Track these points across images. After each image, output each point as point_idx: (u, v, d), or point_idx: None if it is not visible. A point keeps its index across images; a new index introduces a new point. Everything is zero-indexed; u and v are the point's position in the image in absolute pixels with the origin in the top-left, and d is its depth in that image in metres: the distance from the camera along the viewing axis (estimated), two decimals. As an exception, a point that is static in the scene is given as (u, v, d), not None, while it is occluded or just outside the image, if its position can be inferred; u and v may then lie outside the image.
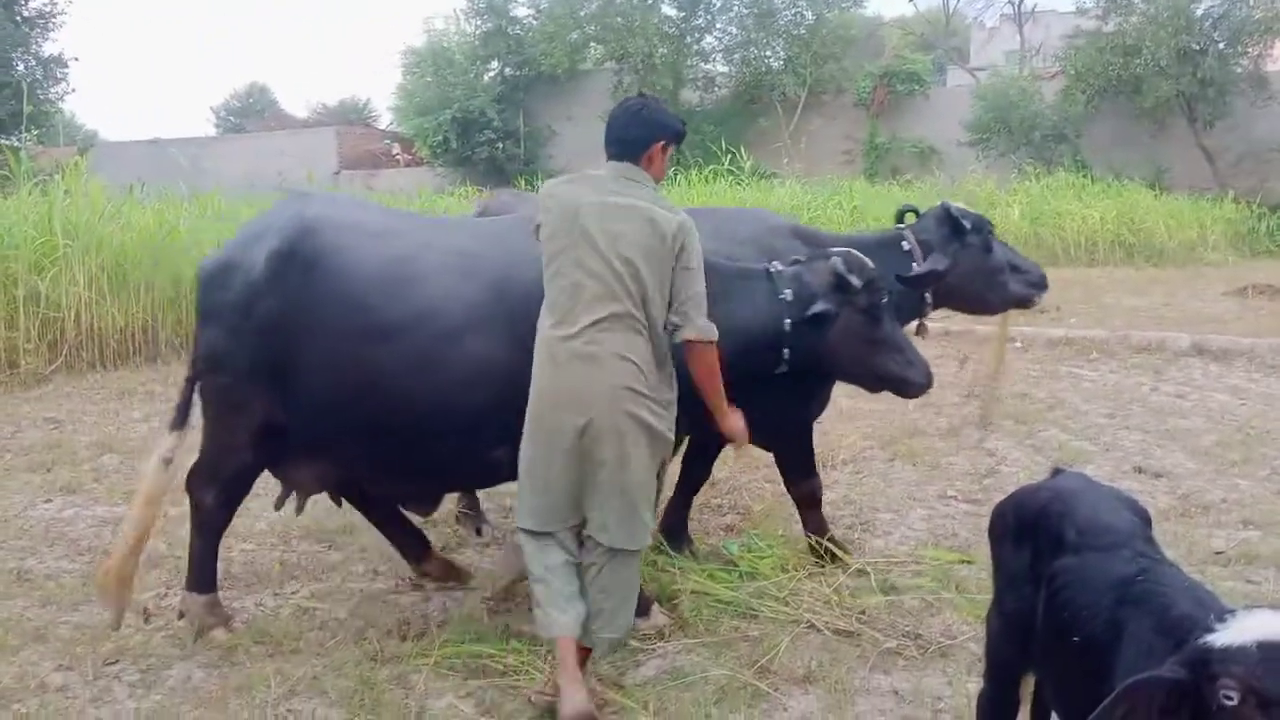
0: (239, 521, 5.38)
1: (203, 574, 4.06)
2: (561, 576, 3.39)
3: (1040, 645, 2.33)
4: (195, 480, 4.02)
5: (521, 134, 26.60)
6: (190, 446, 4.06)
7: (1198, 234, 17.35)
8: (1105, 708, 1.78)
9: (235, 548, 5.07)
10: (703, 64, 26.44)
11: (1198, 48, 20.08)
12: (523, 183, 19.75)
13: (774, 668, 3.67)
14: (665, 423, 3.36)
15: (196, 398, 4.00)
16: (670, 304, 3.29)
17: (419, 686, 3.59)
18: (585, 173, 3.53)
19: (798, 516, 5.31)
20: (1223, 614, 1.93)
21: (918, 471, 6.18)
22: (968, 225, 4.69)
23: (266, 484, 4.34)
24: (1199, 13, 20.40)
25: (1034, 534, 2.43)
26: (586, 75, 27.09)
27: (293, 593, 4.55)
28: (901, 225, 4.92)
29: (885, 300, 4.00)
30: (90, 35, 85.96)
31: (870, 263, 4.00)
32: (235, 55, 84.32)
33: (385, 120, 34.60)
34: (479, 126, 25.64)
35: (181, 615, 4.09)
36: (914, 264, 4.51)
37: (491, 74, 27.18)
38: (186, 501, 4.13)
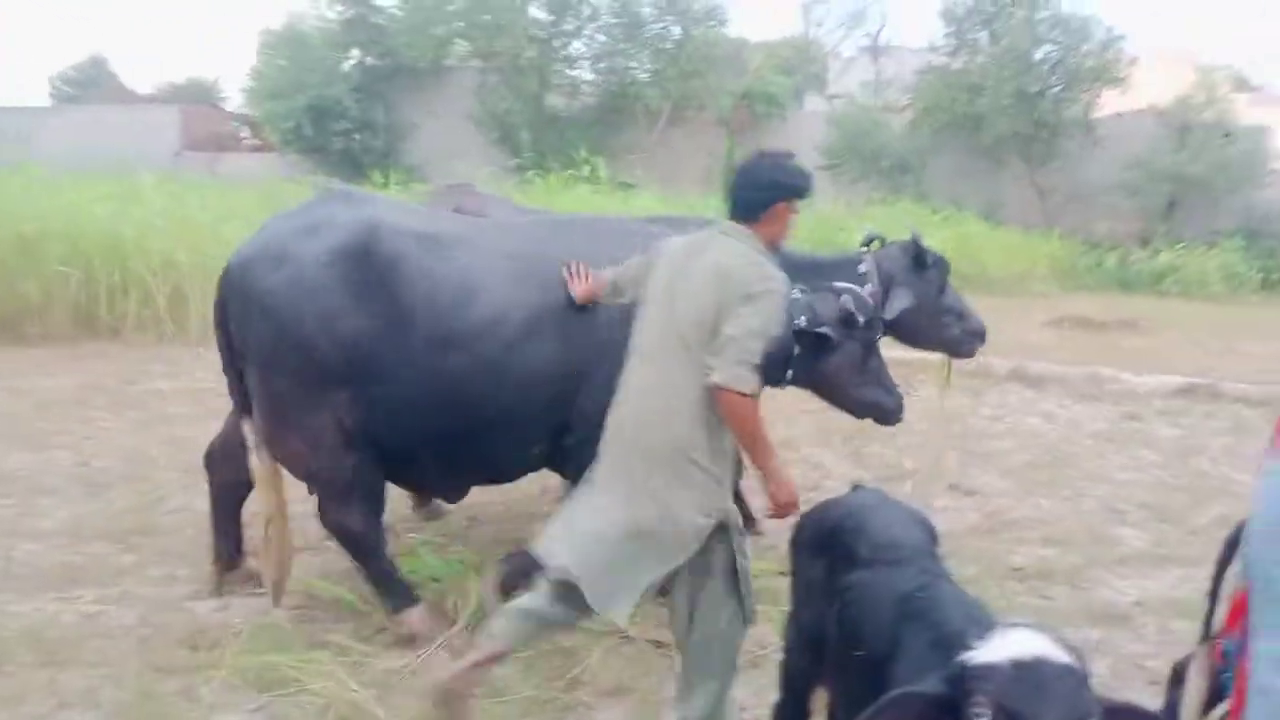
0: (24, 520, 5.04)
1: (400, 588, 3.97)
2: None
3: (831, 658, 2.36)
4: (326, 505, 3.89)
5: (381, 126, 25.90)
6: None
7: (1027, 266, 18.38)
8: (865, 717, 1.82)
9: (19, 547, 4.71)
10: (569, 70, 26.37)
11: (1035, 90, 21.34)
12: (378, 177, 19.15)
13: (584, 680, 3.63)
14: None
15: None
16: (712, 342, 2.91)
17: (205, 699, 3.39)
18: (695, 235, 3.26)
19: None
20: (987, 631, 1.99)
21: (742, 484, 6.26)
22: (929, 261, 4.82)
23: (59, 479, 4.03)
24: (1038, 56, 21.67)
25: (830, 547, 2.47)
26: (451, 71, 26.62)
27: (77, 597, 4.23)
28: (864, 250, 4.97)
29: (879, 337, 4.44)
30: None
31: (871, 303, 4.42)
32: (78, 24, 79.17)
33: (235, 103, 33.15)
34: (335, 115, 24.81)
35: (413, 637, 3.86)
36: (868, 288, 4.62)
37: (351, 62, 26.38)
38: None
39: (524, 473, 4.36)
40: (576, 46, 26.55)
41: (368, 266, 3.68)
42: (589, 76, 27.03)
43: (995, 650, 1.74)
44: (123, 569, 4.53)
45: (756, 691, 3.64)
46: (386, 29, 25.75)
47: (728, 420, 2.91)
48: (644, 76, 25.95)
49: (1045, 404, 9.14)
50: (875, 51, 32.53)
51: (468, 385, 3.77)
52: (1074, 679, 1.68)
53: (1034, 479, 6.64)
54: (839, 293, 4.31)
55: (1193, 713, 2.71)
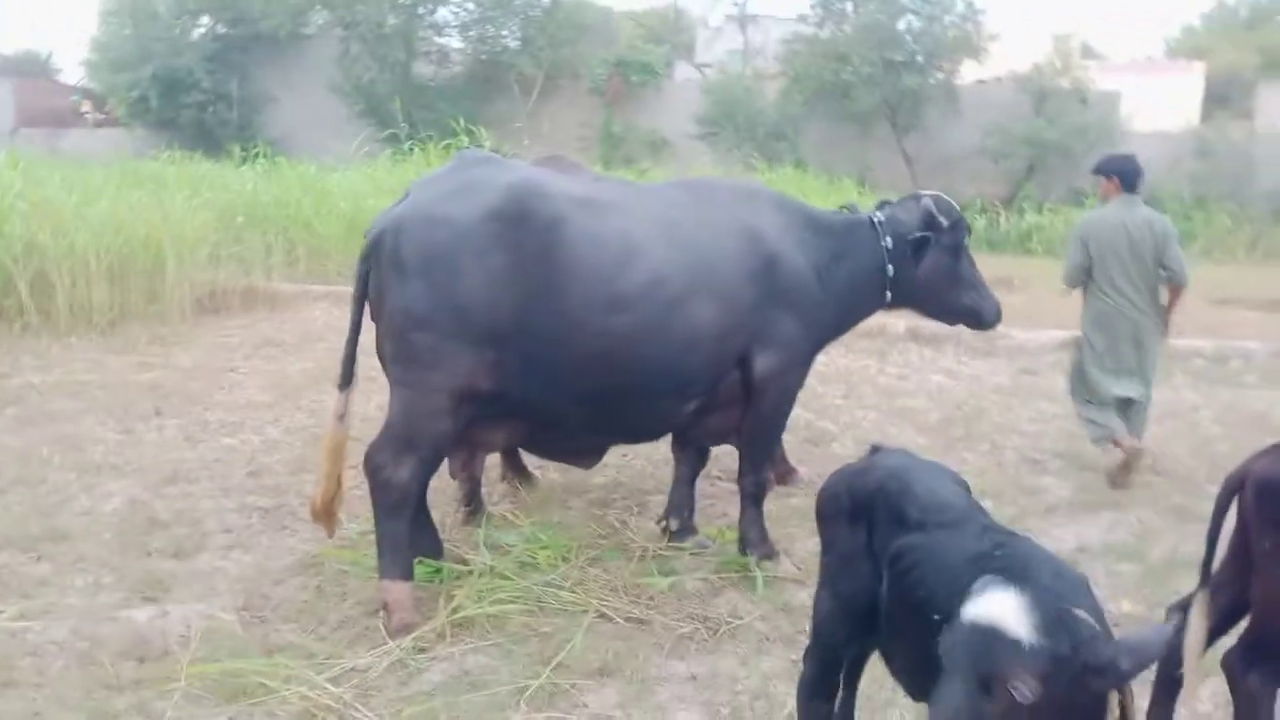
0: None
1: (401, 559, 3.81)
2: None
3: (889, 624, 2.31)
4: (382, 455, 3.76)
5: (235, 98, 24.60)
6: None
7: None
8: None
9: (-89, 562, 4.24)
10: (437, 38, 25.61)
11: (900, 60, 21.89)
12: (237, 151, 18.16)
13: (568, 662, 3.51)
14: None
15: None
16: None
17: (167, 715, 3.11)
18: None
19: (571, 504, 5.21)
20: (1072, 585, 1.98)
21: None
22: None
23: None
24: (901, 27, 22.22)
25: (870, 513, 2.41)
26: (310, 41, 25.48)
27: (-2, 612, 3.83)
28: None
29: (968, 239, 4.76)
30: None
31: (949, 202, 4.76)
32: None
33: (74, 75, 30.89)
34: (185, 87, 23.42)
35: (384, 606, 3.74)
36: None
37: (201, 31, 24.91)
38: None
39: (668, 432, 4.50)
40: (443, 14, 25.83)
41: (528, 228, 3.69)
42: (458, 44, 26.35)
43: (972, 607, 1.86)
44: (42, 579, 4.13)
45: (743, 660, 3.61)
46: (239, -5, 24.44)
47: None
48: (514, 45, 25.46)
49: (945, 361, 9.41)
50: (742, 21, 32.69)
51: (631, 346, 3.83)
52: (992, 641, 1.80)
53: (951, 435, 6.81)
54: (916, 198, 4.64)
55: (1195, 654, 2.81)
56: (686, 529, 4.62)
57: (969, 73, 23.05)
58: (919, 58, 22.09)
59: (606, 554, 4.44)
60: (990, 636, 1.81)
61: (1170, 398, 7.91)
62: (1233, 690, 2.71)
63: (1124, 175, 5.88)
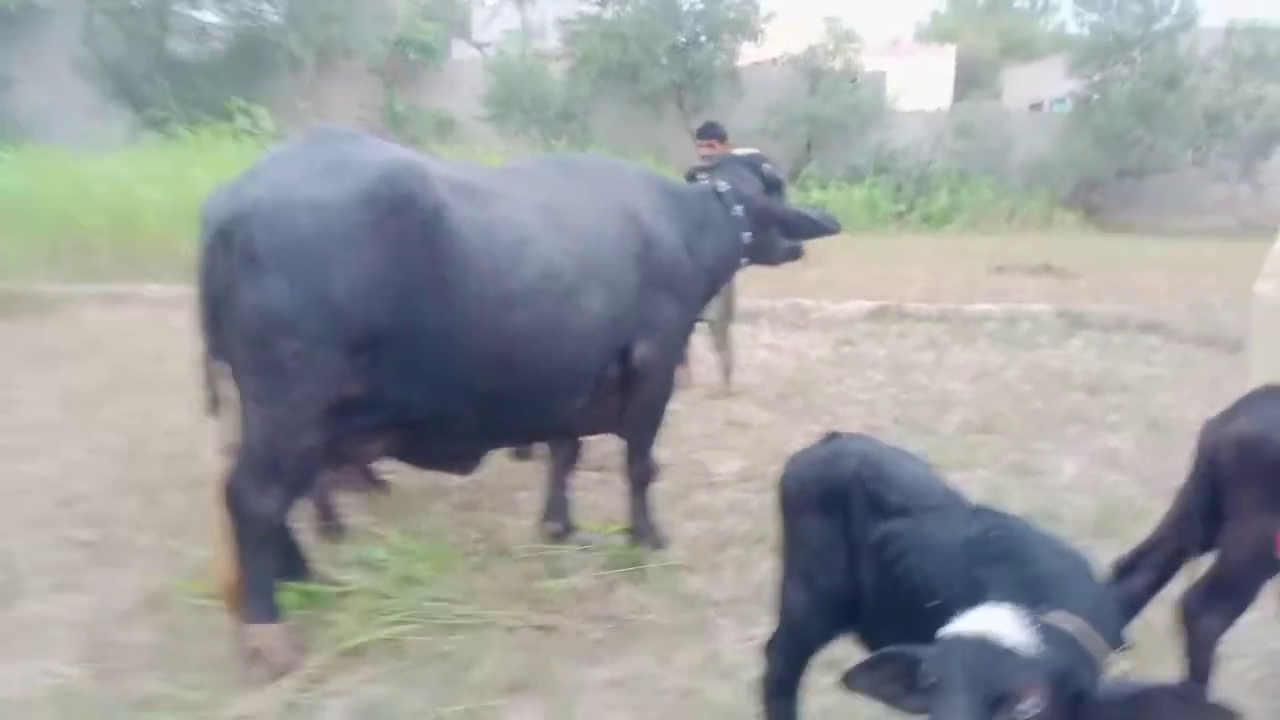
0: None
1: (269, 597, 3.39)
2: None
3: (876, 614, 2.25)
4: (244, 483, 3.28)
5: (-37, 81, 21.88)
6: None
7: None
8: (861, 665, 1.94)
9: None
10: (193, 11, 23.68)
11: (684, 41, 22.29)
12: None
13: (480, 682, 3.28)
14: None
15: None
16: None
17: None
18: None
19: (435, 509, 4.92)
20: (1075, 565, 1.99)
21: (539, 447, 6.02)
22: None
23: None
24: (684, 8, 22.60)
25: (844, 502, 2.34)
26: (50, 15, 22.95)
27: None
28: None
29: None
30: None
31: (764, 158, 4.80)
32: None
33: None
34: (-104, 69, 20.60)
35: (256, 653, 3.31)
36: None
37: (-89, 4, 21.96)
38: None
39: (558, 429, 4.28)
40: (198, -14, 23.92)
41: (410, 215, 3.26)
42: (215, 19, 24.51)
43: (961, 622, 1.80)
44: None
45: (659, 657, 3.50)
46: (-43, -36, 21.68)
47: None
48: (278, 20, 23.95)
49: (764, 337, 9.65)
50: (520, 0, 32.31)
51: (527, 343, 3.58)
52: (996, 657, 1.73)
53: (791, 408, 6.97)
54: (748, 163, 4.65)
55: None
56: (568, 528, 4.46)
57: (747, 54, 23.77)
58: (702, 38, 22.56)
59: (490, 560, 4.21)
60: (991, 651, 1.73)
61: (977, 359, 8.47)
62: (1187, 630, 2.87)
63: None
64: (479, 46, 31.09)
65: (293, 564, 3.83)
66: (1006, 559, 1.99)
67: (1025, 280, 13.12)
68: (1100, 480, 5.42)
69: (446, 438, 3.79)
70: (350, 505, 4.98)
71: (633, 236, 4.01)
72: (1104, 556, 4.33)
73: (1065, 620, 1.82)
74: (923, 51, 27.41)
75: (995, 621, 1.75)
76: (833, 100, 21.84)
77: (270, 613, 3.36)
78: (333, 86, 24.01)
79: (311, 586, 3.80)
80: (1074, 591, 1.91)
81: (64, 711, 3.05)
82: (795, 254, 5.09)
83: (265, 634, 3.33)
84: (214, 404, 3.43)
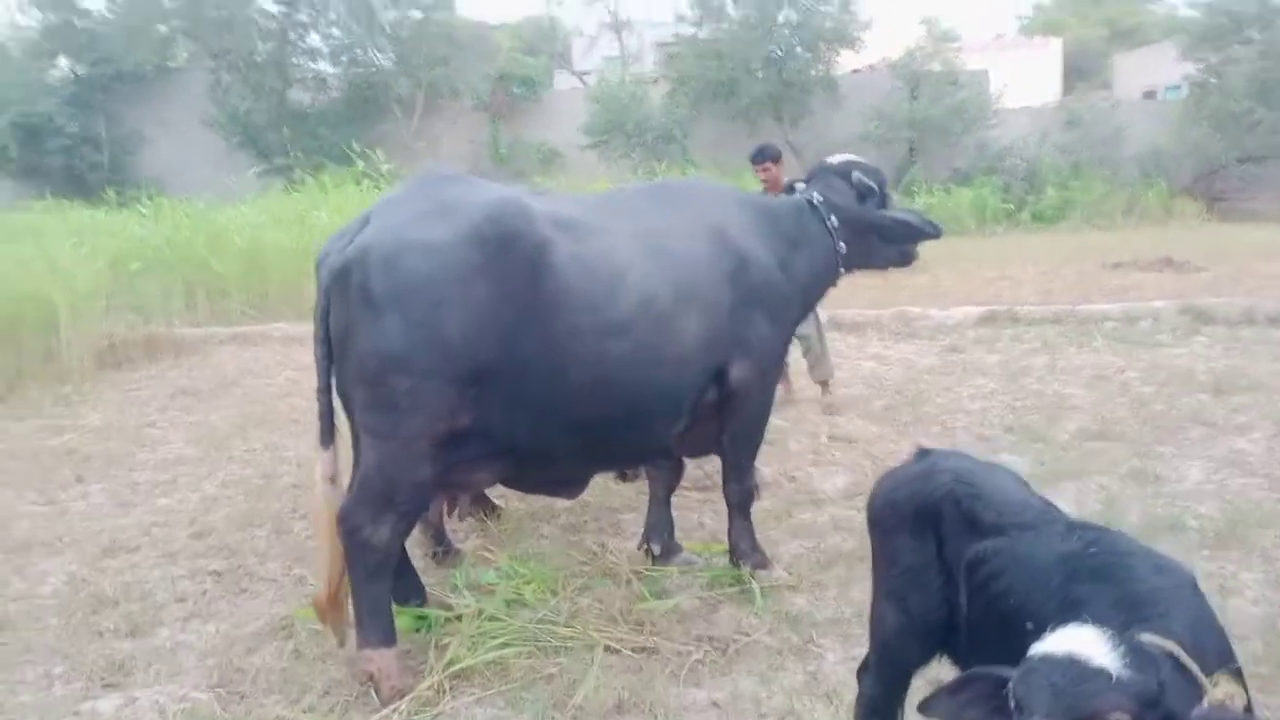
0: None
1: (384, 624, 3.51)
2: None
3: (972, 636, 2.22)
4: (360, 514, 3.43)
5: (103, 140, 23.44)
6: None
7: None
8: (944, 689, 1.88)
9: None
10: (311, 64, 24.88)
11: (781, 53, 22.24)
12: (111, 195, 17.30)
13: (583, 703, 3.35)
14: None
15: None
16: None
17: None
18: None
19: (543, 531, 5.03)
20: (1178, 582, 1.93)
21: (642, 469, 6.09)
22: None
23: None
24: (780, 20, 22.55)
25: (937, 520, 2.32)
26: (179, 74, 24.48)
27: (-64, 726, 3.46)
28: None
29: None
30: None
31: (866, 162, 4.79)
32: None
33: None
34: (47, 133, 22.19)
35: (369, 678, 3.45)
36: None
37: (60, 73, 23.67)
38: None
39: (660, 453, 4.34)
40: (314, 39, 25.12)
41: (514, 253, 3.43)
42: (331, 69, 25.67)
43: (1047, 642, 1.75)
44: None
45: (761, 679, 3.51)
46: (97, 34, 23.29)
47: None
48: (389, 65, 24.93)
49: (871, 348, 9.52)
50: (617, 27, 32.81)
51: (626, 370, 3.66)
52: (1082, 678, 1.67)
53: (899, 420, 6.86)
54: (840, 172, 4.63)
55: None
56: (670, 549, 4.51)
57: (846, 62, 23.54)
58: (799, 49, 22.46)
59: (595, 582, 4.29)
60: (1077, 672, 1.68)
61: (1094, 362, 8.17)
62: None
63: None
64: (579, 76, 31.64)
65: (408, 589, 3.99)
66: (1104, 576, 1.94)
67: (1144, 276, 12.58)
68: (1226, 485, 5.17)
69: (550, 464, 3.90)
70: (464, 530, 5.16)
71: (725, 257, 4.06)
72: (1228, 567, 4.19)
73: (1160, 640, 1.76)
74: (1027, 46, 26.61)
75: (1083, 641, 1.71)
76: (935, 103, 21.42)
77: (385, 638, 3.50)
78: (440, 126, 24.82)
79: (425, 610, 3.95)
80: (1173, 610, 1.85)
81: (192, 733, 3.24)
82: (906, 258, 5.00)
83: (379, 659, 3.47)
84: (327, 436, 3.61)
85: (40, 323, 9.03)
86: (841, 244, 4.56)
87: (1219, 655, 1.84)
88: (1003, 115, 21.99)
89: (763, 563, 4.30)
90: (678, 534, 4.78)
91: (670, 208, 4.13)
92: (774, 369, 4.37)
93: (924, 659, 2.43)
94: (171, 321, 11.06)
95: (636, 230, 3.89)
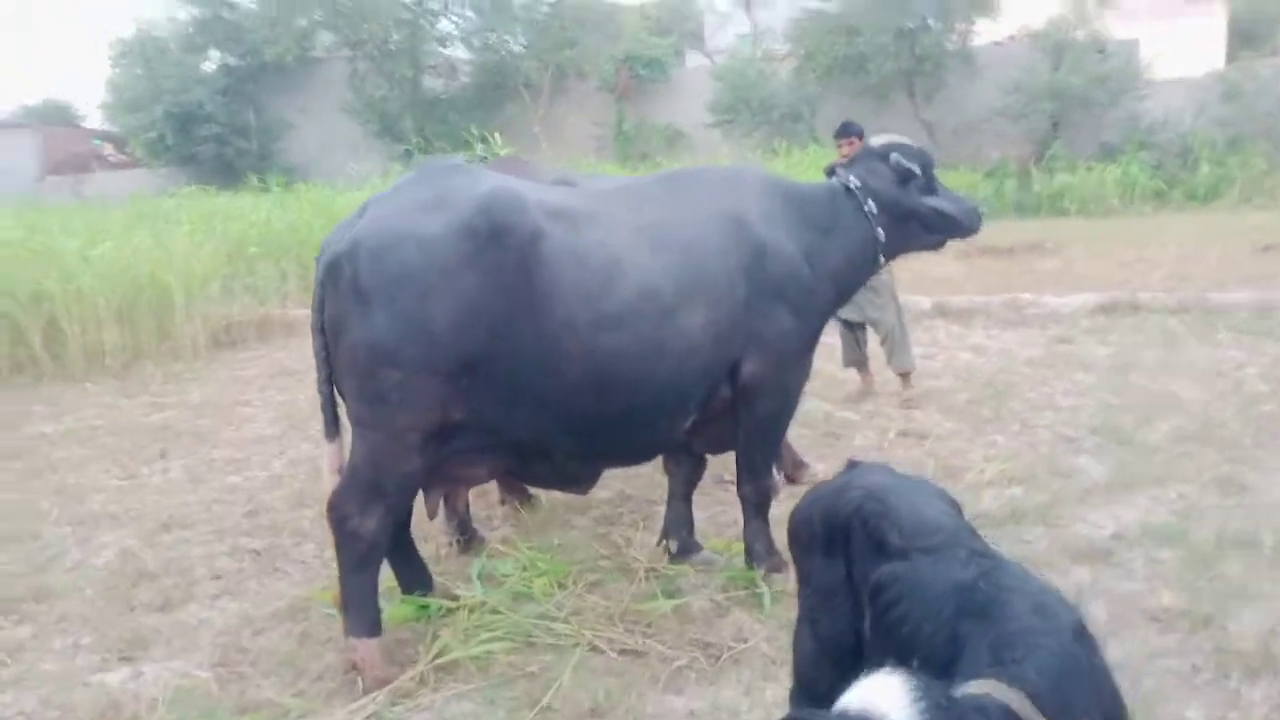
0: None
1: (370, 614, 3.51)
2: None
3: (872, 668, 2.03)
4: (348, 504, 3.46)
5: (252, 129, 24.69)
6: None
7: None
8: None
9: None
10: (442, 49, 25.50)
11: (913, 26, 21.38)
12: (256, 181, 18.18)
13: (556, 704, 3.26)
14: None
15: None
16: None
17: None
18: None
19: (575, 523, 4.97)
20: (1056, 623, 1.69)
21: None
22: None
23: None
24: (915, -10, 21.68)
25: (847, 539, 2.12)
26: (319, 64, 25.52)
27: (-34, 688, 3.67)
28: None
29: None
30: None
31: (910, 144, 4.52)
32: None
33: (95, 119, 31.22)
34: (199, 121, 23.54)
35: (353, 667, 3.47)
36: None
37: (211, 65, 25.06)
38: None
39: (666, 451, 4.25)
40: (445, 25, 25.74)
41: (505, 245, 3.37)
42: (464, 55, 26.26)
43: (851, 692, 1.60)
44: (19, 644, 3.96)
45: (746, 690, 3.34)
46: (244, 26, 24.51)
47: None
48: (519, 50, 25.30)
49: (974, 337, 9.04)
50: (749, 4, 32.24)
51: (622, 365, 3.55)
52: None
53: (980, 415, 6.47)
54: (881, 155, 4.36)
55: None
56: (688, 547, 4.36)
57: (983, 33, 22.43)
58: (931, 22, 21.54)
59: (608, 578, 4.19)
60: None
61: (1212, 356, 7.51)
62: None
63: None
64: (710, 55, 31.29)
65: (414, 578, 3.99)
66: (985, 613, 1.72)
67: (1296, 262, 11.50)
68: (1323, 500, 4.64)
69: (551, 459, 3.82)
70: (495, 519, 5.15)
71: (741, 248, 3.87)
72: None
73: (996, 690, 1.53)
74: (1188, 12, 24.67)
75: (883, 693, 1.54)
76: (1079, 73, 20.13)
77: (369, 628, 3.51)
78: (566, 109, 25.02)
79: (426, 600, 3.94)
80: (1034, 656, 1.61)
81: (177, 711, 3.32)
82: (957, 233, 4.65)
83: (363, 648, 3.48)
84: (332, 428, 3.64)
85: (157, 305, 9.56)
86: (880, 230, 4.29)
87: (1086, 710, 1.60)
88: (1155, 86, 20.48)
89: (777, 566, 4.10)
90: (711, 526, 4.64)
91: (684, 197, 3.97)
92: (797, 364, 4.14)
93: (835, 689, 2.22)
94: (286, 303, 11.53)
95: (641, 221, 3.76)
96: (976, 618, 1.73)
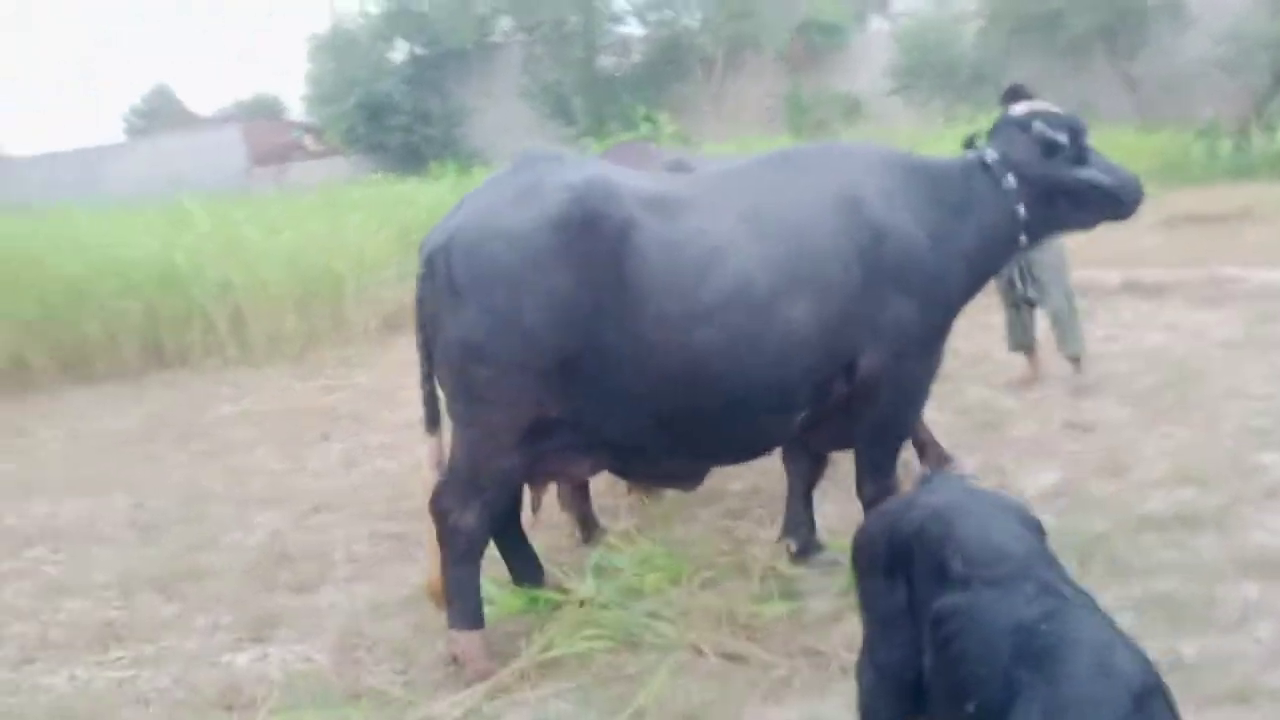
0: (73, 575, 4.81)
1: (471, 607, 3.55)
2: None
3: (931, 707, 1.82)
4: (448, 499, 3.52)
5: (437, 115, 25.66)
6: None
7: (1132, 165, 16.95)
8: None
9: (63, 607, 4.47)
10: (616, 27, 25.64)
11: (1116, -24, 19.80)
12: (437, 168, 18.86)
13: (650, 709, 3.16)
14: None
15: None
16: None
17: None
18: None
19: (701, 516, 4.85)
20: (1123, 687, 1.44)
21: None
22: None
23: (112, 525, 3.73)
24: (1112, -61, 20.06)
25: (908, 564, 1.91)
26: (497, 49, 26.21)
27: (116, 659, 3.94)
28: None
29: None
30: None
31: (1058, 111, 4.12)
32: (140, 58, 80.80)
33: (297, 111, 33.33)
34: (388, 110, 24.64)
35: (454, 659, 3.54)
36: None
37: (399, 55, 26.20)
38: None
39: (774, 448, 4.04)
40: (620, 3, 25.83)
41: (596, 237, 3.30)
42: (639, 31, 26.30)
43: None
44: (164, 622, 4.23)
45: (850, 704, 3.09)
46: (428, 16, 25.43)
47: None
48: (694, 24, 25.10)
49: (1165, 315, 8.26)
50: (934, -38, 30.74)
51: (717, 360, 3.40)
52: None
53: (1160, 404, 5.88)
54: (1022, 125, 3.96)
55: None
56: (809, 547, 4.15)
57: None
58: (1133, -30, 19.87)
59: (723, 575, 4.05)
60: None
61: None
62: None
63: None
64: (893, 18, 30.08)
65: (526, 569, 3.99)
66: (1042, 665, 1.48)
67: None
68: None
69: (649, 457, 3.72)
70: (622, 509, 5.09)
71: (856, 231, 3.61)
72: None
73: None
74: None
75: None
76: (1307, 19, 18.08)
77: (471, 620, 3.52)
78: (741, 82, 24.65)
79: (536, 592, 3.92)
80: None
81: (292, 695, 3.43)
82: (1117, 209, 4.20)
83: (465, 641, 3.50)
84: (433, 423, 3.66)
85: (330, 292, 10.06)
86: (1021, 208, 3.91)
87: None
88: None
89: None
90: (846, 526, 4.40)
91: (795, 177, 3.73)
92: (922, 357, 3.84)
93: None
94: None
95: (745, 207, 3.56)
96: (1033, 668, 1.50)
